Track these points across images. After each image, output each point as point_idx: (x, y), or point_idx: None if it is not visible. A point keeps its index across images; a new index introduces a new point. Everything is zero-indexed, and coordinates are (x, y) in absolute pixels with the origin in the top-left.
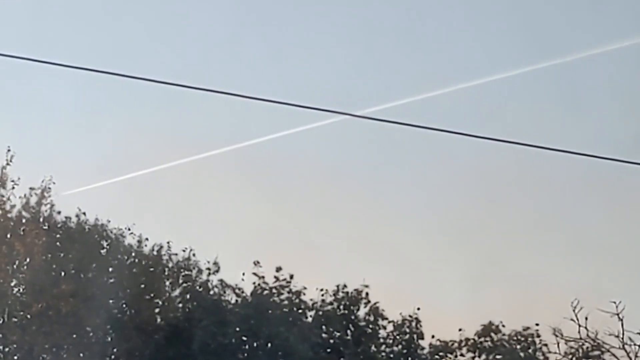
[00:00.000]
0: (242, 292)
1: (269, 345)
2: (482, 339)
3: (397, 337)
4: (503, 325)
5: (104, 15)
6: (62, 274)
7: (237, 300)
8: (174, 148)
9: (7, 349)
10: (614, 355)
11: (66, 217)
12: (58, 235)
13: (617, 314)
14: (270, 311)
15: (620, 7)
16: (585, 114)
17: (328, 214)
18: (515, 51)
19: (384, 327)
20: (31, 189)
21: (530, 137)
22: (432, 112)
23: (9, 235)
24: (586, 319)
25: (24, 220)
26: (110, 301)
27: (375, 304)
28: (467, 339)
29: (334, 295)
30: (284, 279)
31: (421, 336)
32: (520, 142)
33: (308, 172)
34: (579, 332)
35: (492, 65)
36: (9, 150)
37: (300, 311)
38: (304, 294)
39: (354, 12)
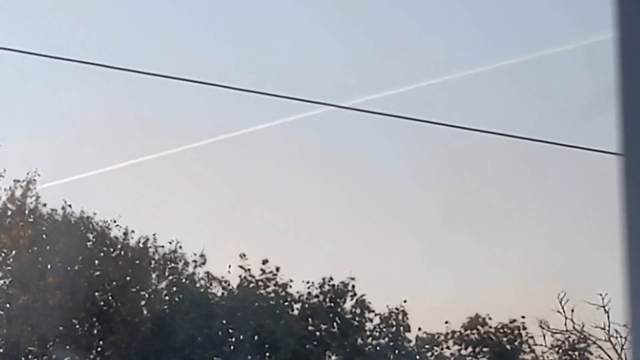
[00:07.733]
0: (229, 284)
1: (255, 337)
2: (468, 332)
3: (384, 329)
4: (489, 318)
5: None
6: (48, 266)
7: (223, 293)
8: (159, 140)
9: None
10: (600, 347)
11: (52, 210)
12: (44, 228)
13: (603, 307)
14: (256, 304)
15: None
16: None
17: (314, 206)
18: (508, 42)
19: (370, 320)
20: (16, 181)
21: (508, 128)
22: (418, 103)
23: None
24: (572, 311)
25: (9, 213)
26: (97, 294)
27: (361, 296)
28: (454, 332)
29: (320, 288)
30: (270, 272)
31: (407, 329)
32: (499, 131)
33: (294, 164)
34: (565, 324)
35: (481, 57)
36: None
37: (286, 304)
38: (290, 287)
39: (341, 2)
